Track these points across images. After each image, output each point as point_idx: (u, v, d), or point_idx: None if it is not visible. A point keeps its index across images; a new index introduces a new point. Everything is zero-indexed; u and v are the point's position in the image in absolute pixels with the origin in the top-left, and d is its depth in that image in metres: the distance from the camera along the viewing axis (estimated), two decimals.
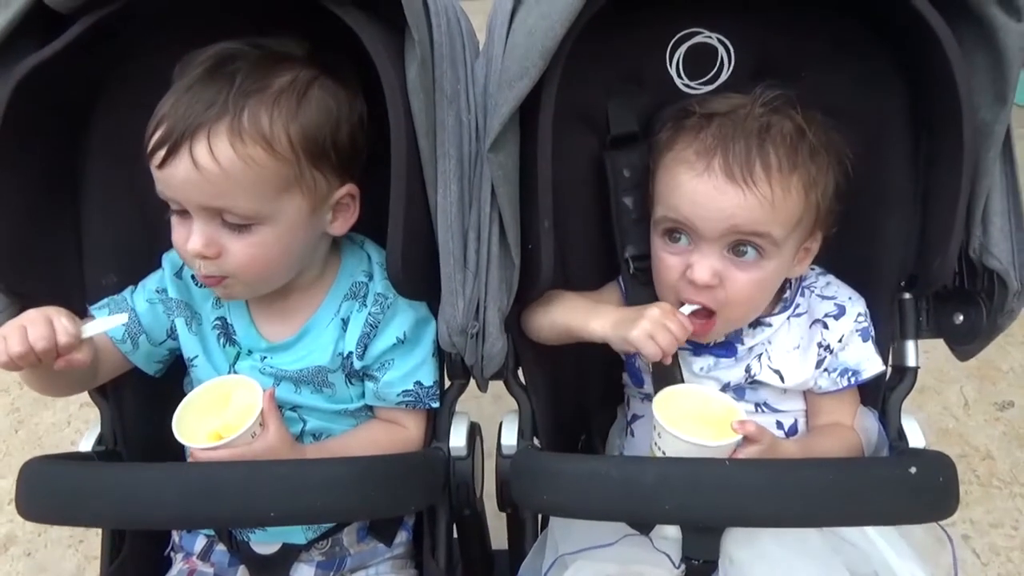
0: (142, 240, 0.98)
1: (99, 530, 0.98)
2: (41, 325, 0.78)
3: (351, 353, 0.91)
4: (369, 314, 0.91)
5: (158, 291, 0.95)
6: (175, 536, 1.01)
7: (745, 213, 0.82)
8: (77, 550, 1.65)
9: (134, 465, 0.92)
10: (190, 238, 0.82)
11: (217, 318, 0.95)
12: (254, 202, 0.81)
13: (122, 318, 0.88)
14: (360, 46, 0.81)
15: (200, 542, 0.98)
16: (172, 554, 1.01)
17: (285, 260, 0.87)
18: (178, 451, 0.94)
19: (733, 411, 0.82)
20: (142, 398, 0.98)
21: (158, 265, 0.97)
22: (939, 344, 0.98)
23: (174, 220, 0.85)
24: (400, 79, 0.80)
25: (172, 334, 0.96)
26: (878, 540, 0.85)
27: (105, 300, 0.95)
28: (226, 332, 0.95)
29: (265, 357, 0.93)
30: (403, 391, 0.93)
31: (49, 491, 0.76)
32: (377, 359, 0.92)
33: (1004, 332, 2.14)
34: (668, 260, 0.89)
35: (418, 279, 0.86)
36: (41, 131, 0.89)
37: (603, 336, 0.86)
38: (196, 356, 0.95)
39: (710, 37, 0.95)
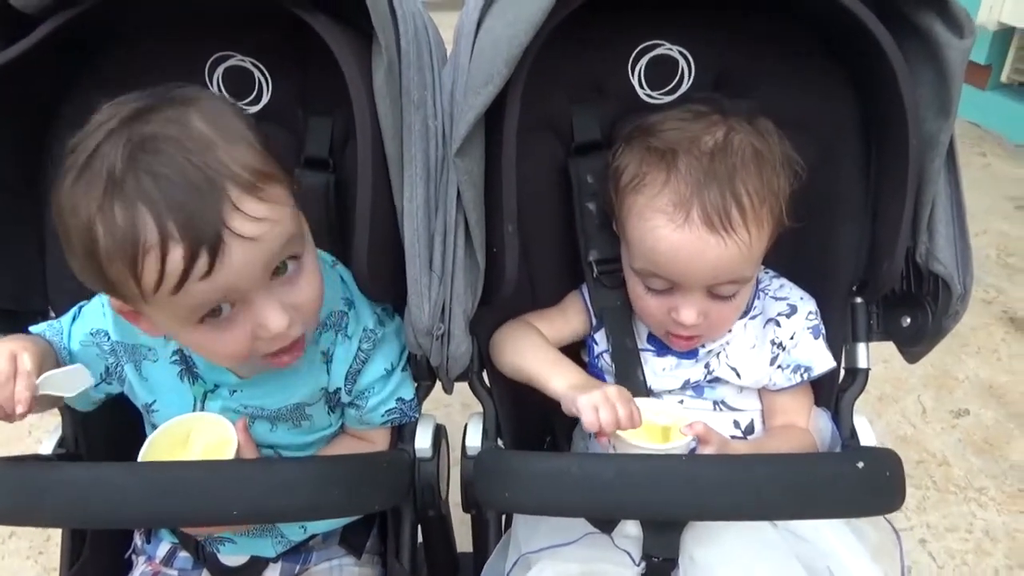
0: None
1: (59, 542, 0.97)
2: (3, 361, 0.72)
3: (339, 389, 0.89)
4: (360, 351, 0.89)
5: (93, 333, 0.87)
6: (137, 540, 1.00)
7: (725, 264, 0.84)
8: (36, 561, 1.62)
9: (94, 464, 0.91)
10: (267, 323, 0.72)
11: (174, 352, 0.87)
12: (299, 229, 0.75)
13: (84, 377, 0.77)
14: (322, 50, 0.81)
15: (163, 548, 0.97)
16: (134, 556, 1.00)
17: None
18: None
19: (681, 418, 0.85)
20: (105, 401, 0.97)
21: None
22: (898, 354, 1.01)
23: (213, 331, 0.72)
24: (367, 84, 0.81)
25: (106, 377, 0.88)
26: (832, 537, 0.87)
27: (43, 325, 0.88)
28: (187, 366, 0.87)
29: (235, 391, 0.87)
30: (387, 411, 0.92)
31: (7, 491, 0.75)
32: (362, 390, 0.91)
33: (960, 343, 2.20)
34: (651, 303, 0.91)
35: (384, 281, 0.87)
36: (6, 133, 0.89)
37: (556, 394, 0.87)
38: (153, 401, 0.89)
39: (671, 49, 0.98)
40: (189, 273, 0.65)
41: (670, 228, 0.84)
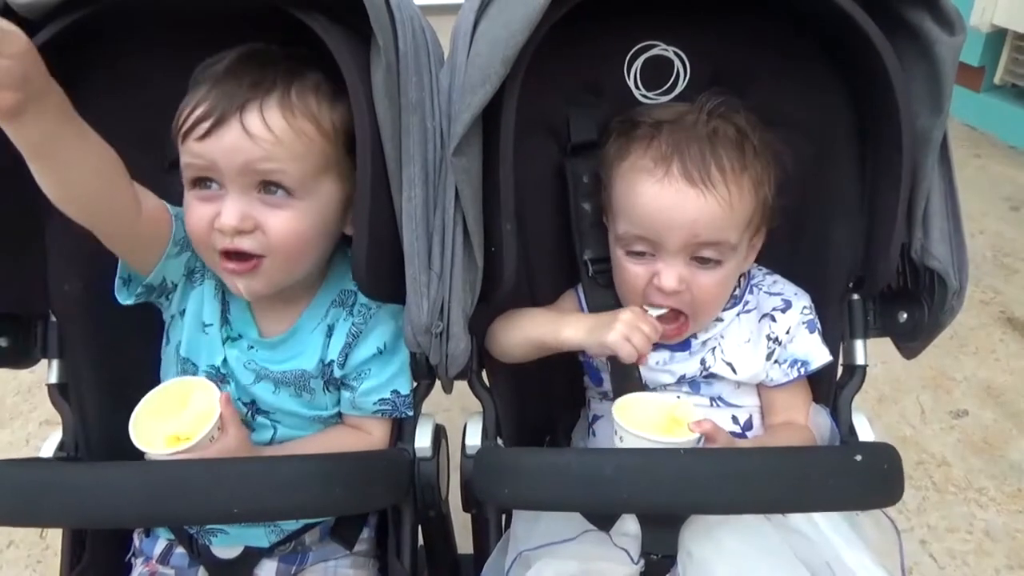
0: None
1: (58, 551, 0.97)
2: None
3: (332, 362, 0.92)
4: (353, 324, 0.92)
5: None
6: (135, 539, 1.00)
7: (706, 219, 0.86)
8: (35, 570, 1.61)
9: (95, 464, 0.91)
10: (222, 212, 0.82)
11: (216, 286, 0.94)
12: (301, 173, 0.83)
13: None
14: (324, 53, 0.82)
15: (160, 545, 0.98)
16: (133, 559, 0.99)
17: (316, 243, 0.88)
18: (140, 458, 0.94)
19: (689, 414, 0.85)
20: (104, 403, 0.97)
21: None
22: (897, 355, 1.02)
23: (195, 200, 0.85)
24: (366, 85, 0.82)
25: (173, 287, 0.93)
26: (829, 532, 0.87)
27: (175, 209, 0.90)
28: (223, 310, 0.94)
29: (252, 347, 0.93)
30: (380, 400, 0.93)
31: (9, 491, 0.75)
32: (355, 369, 0.92)
33: (958, 344, 2.20)
34: (633, 270, 0.92)
35: (383, 280, 0.88)
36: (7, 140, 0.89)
37: (579, 343, 0.90)
38: (183, 311, 0.93)
39: (667, 50, 0.99)
40: (193, 129, 0.82)
41: (651, 182, 0.87)
